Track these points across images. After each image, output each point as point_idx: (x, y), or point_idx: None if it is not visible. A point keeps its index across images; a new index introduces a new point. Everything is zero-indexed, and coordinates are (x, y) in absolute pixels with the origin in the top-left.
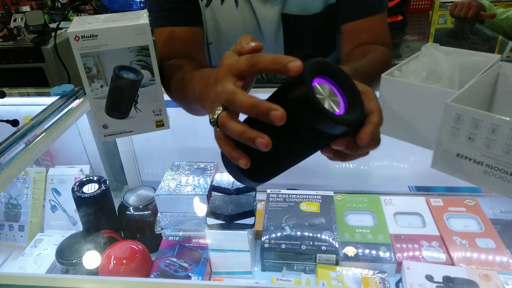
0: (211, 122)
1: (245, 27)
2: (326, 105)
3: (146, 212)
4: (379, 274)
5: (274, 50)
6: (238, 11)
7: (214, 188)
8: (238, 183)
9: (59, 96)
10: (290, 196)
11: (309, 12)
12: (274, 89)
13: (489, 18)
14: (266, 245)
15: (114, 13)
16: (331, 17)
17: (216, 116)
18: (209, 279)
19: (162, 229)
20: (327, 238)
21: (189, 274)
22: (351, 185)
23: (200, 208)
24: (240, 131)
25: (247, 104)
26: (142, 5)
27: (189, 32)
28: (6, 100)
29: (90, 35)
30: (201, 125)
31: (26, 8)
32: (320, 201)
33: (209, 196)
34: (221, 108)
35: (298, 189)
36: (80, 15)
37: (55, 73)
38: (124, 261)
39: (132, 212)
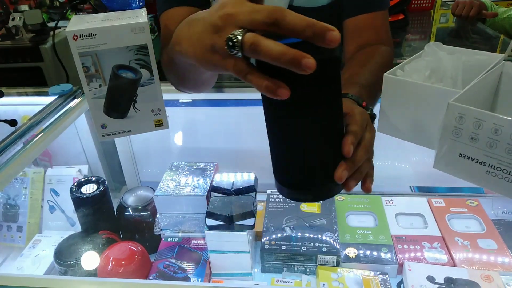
0: (230, 47)
1: None
2: None
3: (145, 213)
4: (381, 276)
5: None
6: None
7: (213, 188)
8: (238, 183)
9: (57, 96)
10: None
11: (316, 4)
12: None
13: (491, 17)
14: (266, 246)
15: (112, 12)
16: (336, 11)
17: (239, 37)
18: (209, 281)
19: (161, 230)
20: (328, 239)
21: (189, 275)
22: None
23: (200, 209)
24: (282, 49)
25: (301, 22)
26: (141, 3)
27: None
28: (4, 99)
29: (89, 34)
30: (201, 125)
31: (25, 7)
32: (321, 201)
33: (208, 196)
34: (239, 30)
35: None
36: (79, 14)
37: (54, 73)
38: (123, 263)
39: (131, 213)
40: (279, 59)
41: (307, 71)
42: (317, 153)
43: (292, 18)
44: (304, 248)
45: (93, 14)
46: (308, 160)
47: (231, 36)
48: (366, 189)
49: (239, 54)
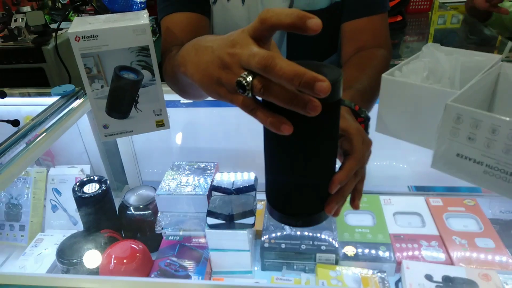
0: (240, 88)
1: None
2: None
3: (146, 212)
4: (379, 274)
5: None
6: (244, 8)
7: (214, 188)
8: (239, 183)
9: (59, 96)
10: None
11: (315, 7)
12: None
13: (503, 13)
14: (266, 245)
15: (114, 14)
16: (334, 15)
17: (249, 80)
18: (209, 279)
19: (162, 228)
20: (326, 237)
21: (189, 273)
22: None
23: (200, 208)
24: (290, 94)
25: (289, 72)
26: (142, 5)
27: (198, 19)
28: (7, 100)
29: (91, 35)
30: (201, 125)
31: (27, 8)
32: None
33: (209, 196)
34: (246, 72)
35: None
36: (81, 16)
37: (56, 73)
38: (125, 261)
39: (133, 211)
40: (287, 103)
41: (312, 114)
42: (310, 185)
43: (282, 67)
44: (303, 247)
45: (95, 16)
46: (301, 191)
47: (241, 79)
48: (355, 207)
49: (249, 95)
